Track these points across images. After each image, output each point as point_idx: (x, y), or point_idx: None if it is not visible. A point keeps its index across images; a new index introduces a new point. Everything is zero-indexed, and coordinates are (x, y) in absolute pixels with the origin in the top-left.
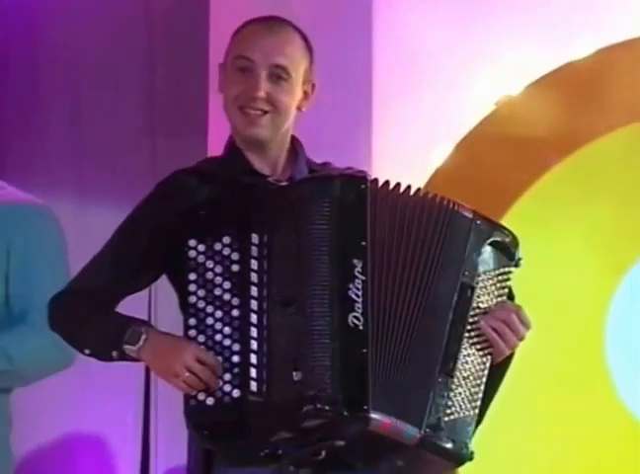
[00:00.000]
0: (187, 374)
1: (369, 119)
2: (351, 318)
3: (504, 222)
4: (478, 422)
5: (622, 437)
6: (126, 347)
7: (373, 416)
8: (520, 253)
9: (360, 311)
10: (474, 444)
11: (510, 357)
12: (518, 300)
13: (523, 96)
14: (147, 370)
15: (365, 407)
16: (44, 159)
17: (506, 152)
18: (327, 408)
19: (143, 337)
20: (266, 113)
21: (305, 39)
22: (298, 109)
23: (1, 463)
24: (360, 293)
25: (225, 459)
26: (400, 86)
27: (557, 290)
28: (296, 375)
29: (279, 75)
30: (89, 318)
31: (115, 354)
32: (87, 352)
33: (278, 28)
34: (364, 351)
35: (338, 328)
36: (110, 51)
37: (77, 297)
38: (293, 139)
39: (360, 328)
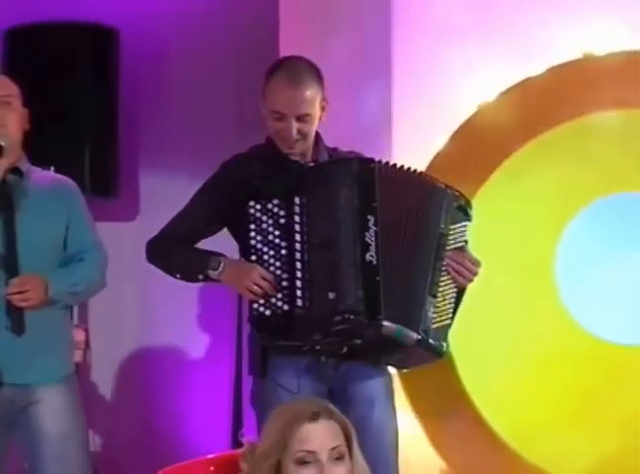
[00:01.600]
0: (254, 287)
1: (390, 122)
2: (367, 256)
3: (482, 190)
4: (448, 328)
5: (566, 341)
6: (210, 271)
7: (385, 323)
8: (471, 212)
9: (373, 251)
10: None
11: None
12: (490, 243)
13: (496, 101)
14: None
15: (380, 317)
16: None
17: (483, 141)
18: (352, 317)
19: (222, 264)
20: (297, 140)
21: (318, 72)
22: (319, 119)
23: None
24: (373, 239)
25: (276, 351)
26: (413, 96)
27: (520, 231)
28: (331, 295)
29: (304, 119)
30: (178, 252)
31: (200, 276)
32: (178, 276)
33: (298, 78)
34: (378, 278)
35: (359, 263)
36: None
37: (167, 239)
38: (316, 133)
39: (374, 263)
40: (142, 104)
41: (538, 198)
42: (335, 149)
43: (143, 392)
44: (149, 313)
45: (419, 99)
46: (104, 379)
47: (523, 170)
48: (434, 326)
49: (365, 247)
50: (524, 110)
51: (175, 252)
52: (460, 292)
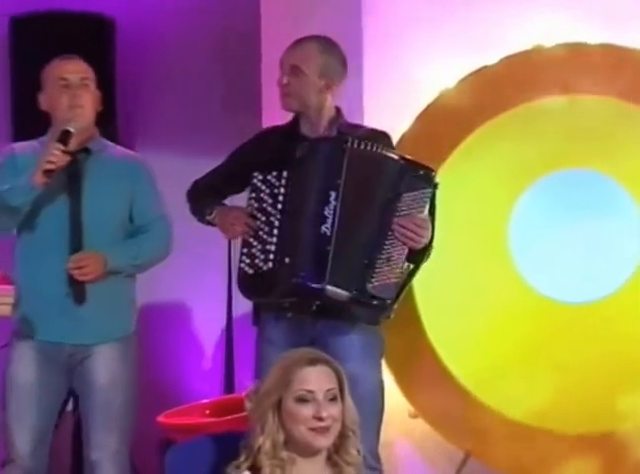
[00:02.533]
0: (236, 225)
1: (361, 106)
2: (323, 227)
3: (443, 168)
4: (403, 287)
5: (518, 299)
6: (207, 217)
7: (328, 287)
8: (437, 180)
9: (329, 224)
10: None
11: (428, 247)
12: (452, 214)
13: (456, 86)
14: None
15: (324, 281)
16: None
17: (444, 123)
18: (299, 281)
19: (215, 211)
20: (286, 95)
21: (328, 48)
22: (320, 92)
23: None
24: (331, 212)
25: (265, 307)
26: (384, 81)
27: (477, 203)
28: (287, 259)
29: (294, 71)
30: (196, 200)
31: (204, 220)
32: (196, 218)
33: (302, 39)
34: (328, 248)
35: (315, 233)
36: (197, 57)
37: (196, 187)
38: (337, 110)
39: (328, 234)
40: (138, 88)
41: (493, 174)
42: (356, 126)
43: (143, 343)
44: (148, 272)
45: (387, 84)
46: None
47: (480, 149)
48: (372, 285)
49: (323, 220)
50: (481, 95)
51: (195, 199)
52: (417, 253)
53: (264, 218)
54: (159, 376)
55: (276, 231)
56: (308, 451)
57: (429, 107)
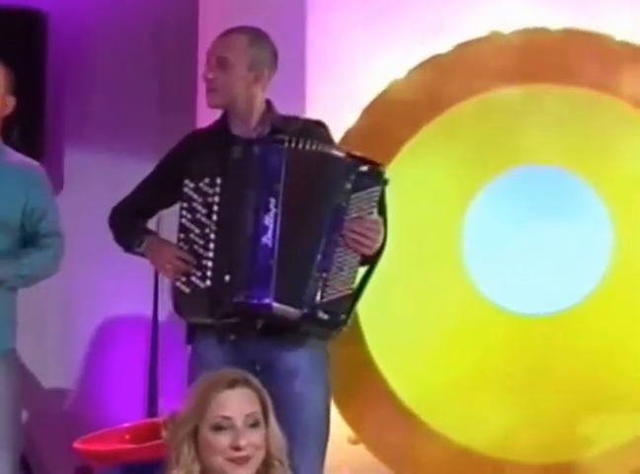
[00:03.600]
0: (167, 266)
1: (303, 98)
2: (264, 239)
3: (395, 162)
4: (357, 297)
5: (470, 311)
6: (135, 248)
7: (274, 304)
8: (387, 175)
9: (270, 234)
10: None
11: (381, 250)
12: (400, 217)
13: (406, 77)
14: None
15: (267, 299)
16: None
17: (393, 116)
18: (242, 300)
19: (145, 243)
20: (211, 90)
21: (258, 40)
22: (248, 84)
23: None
24: (272, 221)
25: (197, 327)
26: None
27: (428, 205)
28: (227, 277)
29: (221, 63)
30: (120, 226)
31: (130, 250)
32: (121, 246)
33: (230, 29)
34: (271, 261)
35: (255, 246)
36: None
37: (119, 210)
38: (268, 105)
39: (270, 246)
40: (68, 84)
41: (445, 172)
42: (289, 118)
43: (63, 364)
44: (71, 283)
45: (332, 75)
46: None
47: (431, 144)
48: (325, 300)
49: (264, 230)
50: (432, 86)
51: (118, 225)
52: (370, 258)
53: (198, 231)
54: (77, 400)
55: (212, 245)
56: None
57: (376, 99)
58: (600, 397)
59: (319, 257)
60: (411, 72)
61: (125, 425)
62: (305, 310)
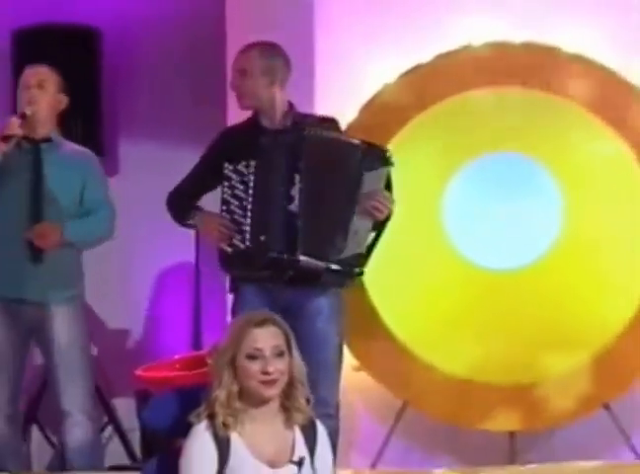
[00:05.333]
0: (214, 232)
1: (312, 99)
2: (292, 206)
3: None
4: (368, 254)
5: (452, 267)
6: (189, 221)
7: (301, 258)
8: (392, 159)
9: (296, 202)
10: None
11: (388, 218)
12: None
13: (396, 81)
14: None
15: (297, 253)
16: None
17: (385, 113)
18: (275, 255)
19: (196, 217)
20: (240, 95)
21: (271, 55)
22: (266, 89)
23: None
24: (297, 193)
25: (239, 278)
26: (334, 76)
27: (415, 183)
28: (262, 237)
29: (242, 72)
30: (177, 206)
31: (188, 222)
32: (178, 222)
33: (249, 45)
34: (298, 224)
35: (285, 212)
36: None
37: (175, 193)
38: (289, 104)
39: (296, 211)
40: (119, 88)
41: (428, 158)
42: (307, 115)
43: (125, 308)
44: (130, 245)
45: (335, 80)
46: (92, 299)
47: (417, 135)
48: (344, 256)
49: (291, 199)
50: (417, 88)
51: (175, 206)
52: (379, 224)
53: (237, 203)
54: (137, 335)
55: (249, 214)
56: (259, 401)
57: (372, 99)
58: (554, 334)
59: (339, 222)
60: (400, 77)
61: (176, 356)
62: (328, 264)
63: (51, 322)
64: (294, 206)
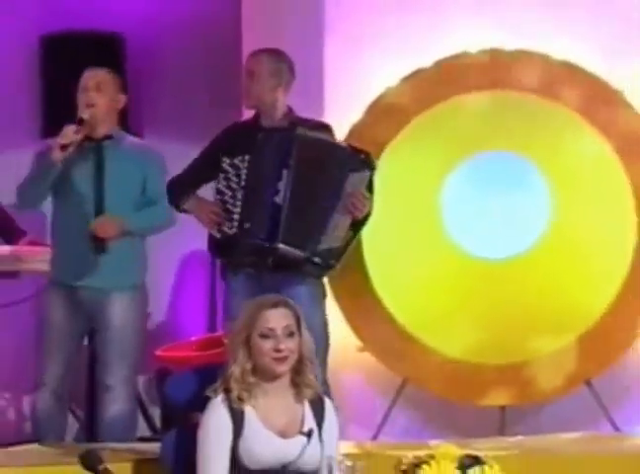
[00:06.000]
0: (206, 218)
1: (322, 99)
2: (276, 198)
3: (387, 150)
4: (344, 250)
5: (449, 256)
6: (184, 205)
7: (280, 246)
8: (374, 163)
9: (282, 195)
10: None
11: (366, 218)
12: (394, 188)
13: (398, 85)
14: None
15: (277, 242)
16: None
17: (388, 114)
18: (257, 241)
19: (190, 202)
20: (251, 97)
21: (279, 61)
22: (273, 91)
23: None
24: (283, 187)
25: (227, 263)
26: (341, 81)
27: (415, 179)
28: (246, 225)
29: (252, 74)
30: (176, 194)
31: (184, 207)
32: (179, 209)
33: (261, 49)
34: (281, 215)
35: (270, 203)
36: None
37: (176, 182)
38: (289, 108)
39: (280, 204)
40: (143, 89)
41: (429, 155)
42: (305, 119)
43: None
44: (153, 241)
45: (342, 85)
46: None
47: (417, 135)
48: (321, 248)
49: (277, 192)
50: (417, 91)
51: (173, 192)
52: (358, 223)
53: (230, 194)
54: (157, 318)
55: (239, 203)
56: (271, 376)
57: (376, 101)
58: (542, 318)
59: (321, 216)
60: (402, 81)
61: (193, 338)
62: (307, 254)
63: (110, 307)
64: (279, 199)
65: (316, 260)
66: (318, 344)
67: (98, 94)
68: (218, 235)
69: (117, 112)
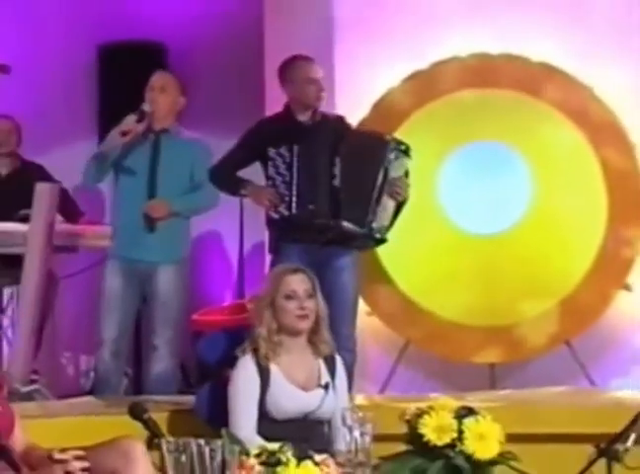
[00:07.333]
0: (265, 201)
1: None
2: (334, 182)
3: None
4: (390, 226)
5: (445, 233)
6: (242, 191)
7: (343, 223)
8: (411, 153)
9: (338, 179)
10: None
11: (406, 200)
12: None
13: (399, 85)
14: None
15: (340, 219)
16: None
17: (390, 110)
18: (323, 220)
19: (248, 188)
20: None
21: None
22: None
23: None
24: (338, 171)
25: (284, 240)
26: (350, 81)
27: (416, 164)
28: (311, 206)
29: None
30: (225, 178)
31: (241, 192)
32: (228, 192)
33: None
34: (340, 196)
35: (329, 186)
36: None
37: (221, 166)
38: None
39: (338, 186)
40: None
41: (426, 145)
42: (326, 113)
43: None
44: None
45: (351, 85)
46: None
47: (416, 127)
48: (375, 225)
49: (333, 176)
50: (416, 90)
51: (222, 179)
52: (400, 204)
53: (281, 179)
54: (195, 287)
55: (294, 187)
56: (294, 333)
57: (380, 99)
58: (527, 285)
59: (372, 198)
60: (403, 81)
61: (224, 304)
62: (363, 230)
63: (159, 277)
64: (337, 182)
65: (377, 236)
66: (353, 308)
67: (162, 94)
68: (277, 216)
69: (176, 111)
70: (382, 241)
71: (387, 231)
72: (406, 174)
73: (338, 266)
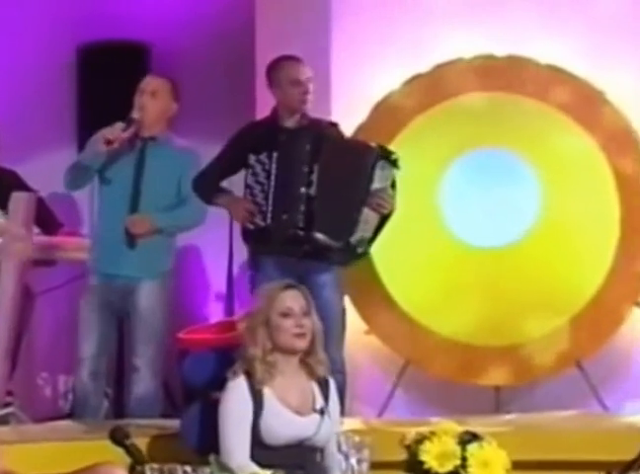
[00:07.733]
0: (240, 214)
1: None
2: (310, 191)
3: (393, 144)
4: (372, 241)
5: (446, 245)
6: (216, 201)
7: (317, 235)
8: (400, 163)
9: (314, 188)
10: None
11: (390, 213)
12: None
13: (399, 88)
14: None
15: (313, 230)
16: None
17: (390, 115)
18: (296, 231)
19: (223, 198)
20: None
21: None
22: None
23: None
24: (314, 180)
25: (262, 253)
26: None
27: (415, 173)
28: (284, 216)
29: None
30: (205, 188)
31: (218, 202)
32: (205, 201)
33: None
34: (314, 206)
35: (304, 195)
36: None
37: (202, 177)
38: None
39: (313, 195)
40: None
41: (428, 151)
42: (315, 118)
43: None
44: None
45: (349, 87)
46: None
47: (417, 133)
48: (353, 239)
49: (309, 185)
50: (417, 93)
51: (203, 187)
52: (385, 217)
53: (259, 188)
54: (179, 303)
55: (270, 197)
56: (289, 353)
57: (380, 103)
58: (535, 301)
59: (352, 209)
60: (403, 84)
61: (212, 322)
62: (338, 243)
63: (139, 293)
64: (312, 191)
65: (358, 250)
66: (337, 327)
67: (152, 99)
68: (252, 227)
69: (167, 118)
70: (363, 255)
71: (369, 245)
72: (393, 185)
73: (318, 282)
